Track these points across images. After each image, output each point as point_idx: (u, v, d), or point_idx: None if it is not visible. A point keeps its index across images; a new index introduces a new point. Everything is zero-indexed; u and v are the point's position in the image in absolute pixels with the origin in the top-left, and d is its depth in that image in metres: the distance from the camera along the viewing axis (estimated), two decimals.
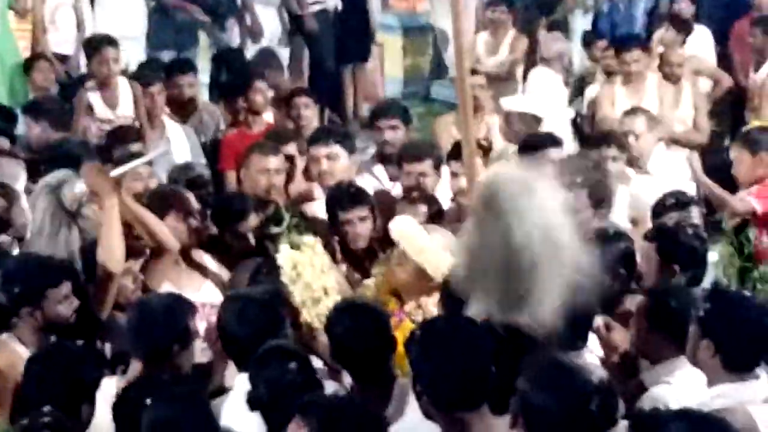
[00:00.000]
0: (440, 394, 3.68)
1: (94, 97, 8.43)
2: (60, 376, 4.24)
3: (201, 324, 5.40)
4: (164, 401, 3.90)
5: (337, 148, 6.94)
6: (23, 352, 4.84)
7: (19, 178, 6.63)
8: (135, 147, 7.29)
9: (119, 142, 7.38)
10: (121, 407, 4.08)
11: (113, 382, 4.59)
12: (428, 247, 5.17)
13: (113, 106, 8.42)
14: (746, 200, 6.77)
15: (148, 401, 3.91)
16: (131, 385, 4.17)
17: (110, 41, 8.51)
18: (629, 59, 8.85)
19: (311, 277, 5.11)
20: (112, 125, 8.12)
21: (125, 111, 8.39)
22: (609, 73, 9.25)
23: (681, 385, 4.36)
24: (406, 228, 5.31)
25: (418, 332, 3.81)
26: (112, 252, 5.21)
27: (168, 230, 5.55)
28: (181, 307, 4.72)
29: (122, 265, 5.29)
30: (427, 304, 5.20)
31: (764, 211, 6.71)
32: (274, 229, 5.38)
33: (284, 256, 5.12)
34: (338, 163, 6.92)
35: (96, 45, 8.54)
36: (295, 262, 5.10)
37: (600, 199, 6.29)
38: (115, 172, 5.55)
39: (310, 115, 8.32)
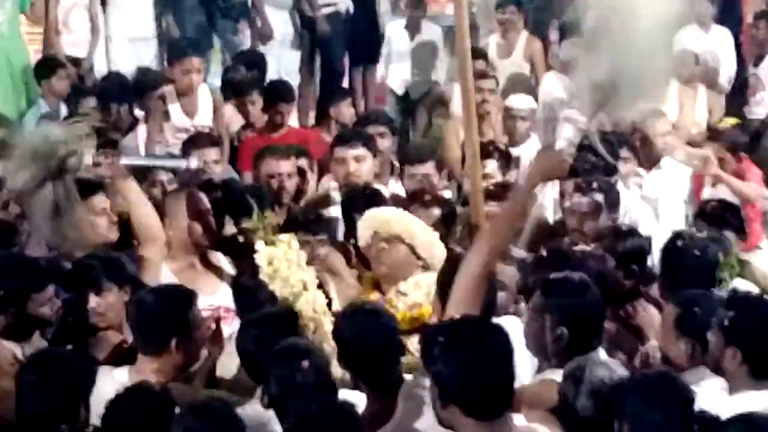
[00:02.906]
0: (473, 402, 3.58)
1: (173, 106, 8.18)
2: (54, 381, 4.22)
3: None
4: (193, 412, 3.93)
5: (364, 150, 6.97)
6: (13, 346, 4.90)
7: None
8: (212, 153, 7.18)
9: (195, 148, 7.16)
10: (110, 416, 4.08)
11: (125, 372, 4.64)
12: (417, 226, 5.41)
13: (191, 115, 8.24)
14: (756, 187, 7.14)
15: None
16: (120, 395, 4.14)
17: (195, 48, 8.33)
18: None
19: (288, 272, 5.11)
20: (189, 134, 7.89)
21: (203, 120, 8.20)
22: None
23: (708, 392, 4.29)
24: (387, 212, 5.52)
25: (441, 338, 3.65)
26: (150, 224, 5.46)
27: (159, 225, 5.62)
28: (177, 299, 4.74)
29: (163, 234, 5.50)
30: (406, 289, 5.33)
31: None
32: (245, 224, 5.43)
33: (260, 253, 5.14)
34: (365, 165, 6.94)
35: (179, 53, 8.32)
36: (270, 257, 5.12)
37: (614, 201, 6.31)
38: (126, 161, 5.66)
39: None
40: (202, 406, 3.99)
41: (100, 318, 5.15)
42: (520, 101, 8.32)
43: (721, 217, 6.14)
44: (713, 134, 7.47)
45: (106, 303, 5.15)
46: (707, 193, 7.30)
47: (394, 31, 10.99)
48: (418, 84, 10.74)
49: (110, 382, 4.40)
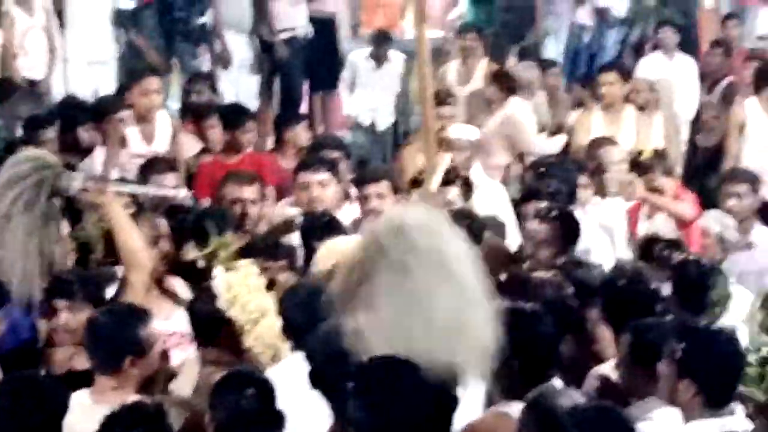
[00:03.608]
0: None
1: (131, 130, 8.00)
2: (28, 407, 4.17)
3: (173, 352, 5.40)
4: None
5: (327, 176, 6.98)
6: None
7: None
8: (169, 179, 7.10)
9: (154, 173, 7.14)
10: None
11: (85, 394, 4.62)
12: None
13: (149, 140, 8.10)
14: (690, 206, 7.19)
15: None
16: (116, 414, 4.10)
17: (153, 71, 8.19)
18: (603, 81, 8.91)
19: (247, 297, 5.09)
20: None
21: (161, 146, 8.08)
22: (579, 104, 9.31)
23: (662, 422, 4.32)
24: (345, 243, 5.48)
25: (351, 384, 3.64)
26: (135, 249, 5.46)
27: (144, 251, 5.59)
28: (131, 318, 4.74)
29: (148, 260, 5.51)
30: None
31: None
32: (198, 253, 5.44)
33: (219, 278, 5.12)
34: (328, 190, 6.95)
35: (138, 74, 8.18)
36: (229, 284, 5.11)
37: (572, 229, 6.32)
38: (115, 188, 5.68)
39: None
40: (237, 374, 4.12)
41: (70, 335, 5.15)
42: (459, 131, 8.34)
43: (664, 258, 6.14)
44: (638, 169, 7.50)
45: (78, 320, 5.14)
46: (644, 227, 7.30)
47: (358, 58, 11.01)
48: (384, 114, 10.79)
49: (72, 405, 4.37)
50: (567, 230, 6.28)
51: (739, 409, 4.19)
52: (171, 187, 6.94)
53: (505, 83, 9.43)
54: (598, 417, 3.71)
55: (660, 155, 7.69)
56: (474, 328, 3.79)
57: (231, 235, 6.16)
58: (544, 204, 6.52)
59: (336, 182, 7.07)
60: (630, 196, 7.22)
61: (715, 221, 6.62)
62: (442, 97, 9.26)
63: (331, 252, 5.58)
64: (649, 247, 6.32)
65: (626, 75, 9.28)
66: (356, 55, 11.15)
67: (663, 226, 7.17)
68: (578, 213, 6.82)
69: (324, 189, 6.93)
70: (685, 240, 6.81)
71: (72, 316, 5.22)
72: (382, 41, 11.02)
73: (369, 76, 10.97)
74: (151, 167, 7.24)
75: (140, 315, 4.79)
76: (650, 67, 10.73)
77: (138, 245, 5.59)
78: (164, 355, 5.03)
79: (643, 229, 7.24)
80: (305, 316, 4.57)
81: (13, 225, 5.41)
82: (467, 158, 8.06)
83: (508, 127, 9.22)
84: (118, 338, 4.67)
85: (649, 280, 5.29)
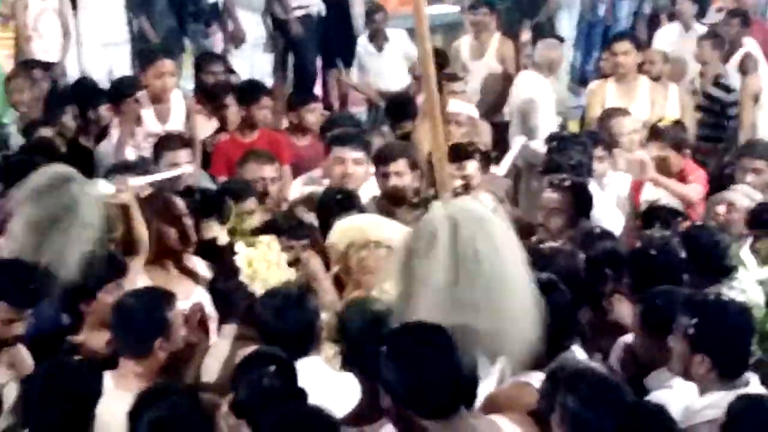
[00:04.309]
0: (423, 403, 3.66)
1: (146, 111, 7.95)
2: (60, 393, 4.19)
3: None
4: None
5: (363, 155, 6.99)
6: None
7: None
8: (182, 155, 7.12)
9: (167, 149, 7.12)
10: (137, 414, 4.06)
11: (107, 378, 4.58)
12: (391, 228, 5.46)
13: (164, 120, 8.05)
14: (698, 188, 7.10)
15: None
16: (145, 393, 4.14)
17: (167, 52, 8.20)
18: (617, 50, 8.88)
19: (267, 273, 5.11)
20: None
21: (175, 125, 8.01)
22: (606, 76, 9.28)
23: (681, 389, 4.35)
24: (359, 220, 5.59)
25: (384, 348, 3.75)
26: (144, 238, 5.47)
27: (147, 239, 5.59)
28: (159, 300, 4.75)
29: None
30: (389, 288, 5.28)
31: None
32: (217, 231, 5.45)
33: (240, 255, 5.14)
34: (361, 168, 6.96)
35: (152, 57, 8.14)
36: (249, 259, 5.13)
37: (585, 200, 6.33)
38: (135, 182, 5.68)
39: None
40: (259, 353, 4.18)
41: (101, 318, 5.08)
42: (456, 106, 8.34)
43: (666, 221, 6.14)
44: (654, 133, 7.45)
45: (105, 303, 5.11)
46: (649, 191, 7.29)
47: (360, 45, 10.99)
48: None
49: None
50: (579, 201, 6.28)
51: (754, 378, 4.21)
52: (183, 163, 6.98)
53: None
54: (595, 386, 3.77)
55: (679, 125, 7.65)
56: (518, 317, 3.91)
57: (252, 202, 6.23)
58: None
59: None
60: (639, 174, 7.21)
61: (743, 195, 6.58)
62: (452, 73, 9.29)
63: (345, 230, 5.61)
64: (652, 215, 6.33)
65: (640, 45, 9.25)
66: (360, 42, 11.11)
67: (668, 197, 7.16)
68: (593, 186, 6.83)
69: (358, 167, 6.94)
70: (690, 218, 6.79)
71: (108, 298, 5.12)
72: (374, 14, 10.94)
73: (372, 62, 10.90)
74: (165, 144, 7.25)
75: (167, 297, 4.79)
76: (667, 38, 10.70)
77: (145, 235, 5.61)
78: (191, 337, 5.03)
79: (650, 192, 7.21)
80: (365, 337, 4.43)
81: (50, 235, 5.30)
82: (465, 134, 8.07)
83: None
84: (148, 321, 4.67)
85: (678, 250, 5.28)
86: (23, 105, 8.80)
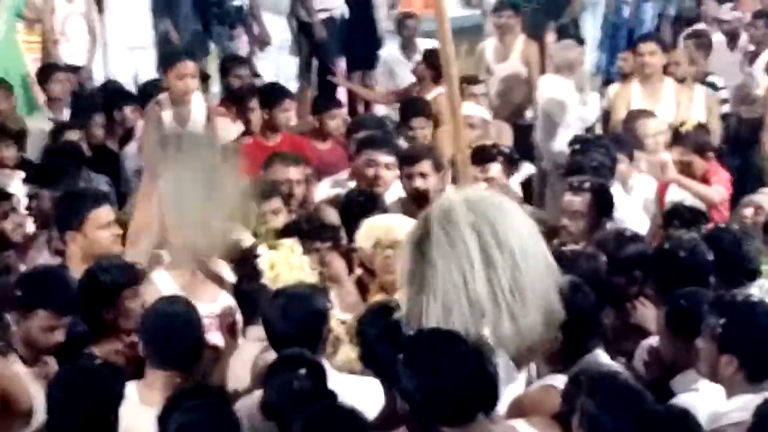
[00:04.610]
0: (440, 411, 3.65)
1: (165, 113, 7.84)
2: (84, 396, 4.16)
3: (216, 335, 5.46)
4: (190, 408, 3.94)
5: (394, 160, 6.98)
6: (16, 365, 4.80)
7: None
8: None
9: None
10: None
11: (132, 387, 4.55)
12: None
13: (184, 123, 7.97)
14: (721, 190, 7.06)
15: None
16: (176, 396, 4.15)
17: (188, 54, 8.14)
18: (643, 50, 8.86)
19: (290, 276, 5.12)
20: None
21: (196, 128, 7.89)
22: (626, 76, 9.26)
23: (708, 392, 4.32)
24: (387, 220, 5.57)
25: (401, 356, 3.73)
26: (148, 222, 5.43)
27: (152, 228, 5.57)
28: (195, 313, 4.74)
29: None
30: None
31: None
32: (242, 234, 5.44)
33: (263, 258, 5.15)
34: (391, 173, 6.96)
35: (173, 58, 8.10)
36: (272, 262, 5.13)
37: (606, 202, 6.32)
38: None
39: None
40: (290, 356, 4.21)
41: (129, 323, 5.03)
42: (469, 109, 8.35)
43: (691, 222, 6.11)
44: (676, 138, 7.43)
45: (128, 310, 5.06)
46: (675, 192, 7.27)
47: (389, 55, 10.98)
48: None
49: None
50: (600, 202, 6.27)
51: None
52: None
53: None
54: (611, 386, 3.77)
55: (702, 128, 7.62)
56: (532, 297, 3.89)
57: (277, 202, 6.24)
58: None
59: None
60: (661, 175, 7.19)
61: None
62: (473, 76, 9.30)
63: (372, 229, 5.62)
64: (674, 216, 6.31)
65: (665, 46, 9.23)
66: (386, 52, 11.10)
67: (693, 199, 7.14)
68: (617, 188, 6.81)
69: (388, 171, 6.94)
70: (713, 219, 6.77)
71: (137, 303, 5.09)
72: (405, 21, 10.96)
73: (403, 70, 10.86)
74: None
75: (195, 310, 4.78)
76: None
77: (151, 223, 5.59)
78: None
79: (675, 194, 7.20)
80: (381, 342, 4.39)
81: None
82: (479, 136, 8.08)
83: None
84: (193, 335, 4.65)
85: (706, 252, 5.28)
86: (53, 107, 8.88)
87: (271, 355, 4.58)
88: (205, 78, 8.97)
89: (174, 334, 4.61)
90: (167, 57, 8.41)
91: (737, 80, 9.91)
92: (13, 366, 4.80)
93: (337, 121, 8.67)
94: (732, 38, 10.38)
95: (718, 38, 10.37)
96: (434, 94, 9.24)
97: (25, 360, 4.86)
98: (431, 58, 9.50)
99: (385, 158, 6.98)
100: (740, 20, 10.51)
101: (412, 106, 8.75)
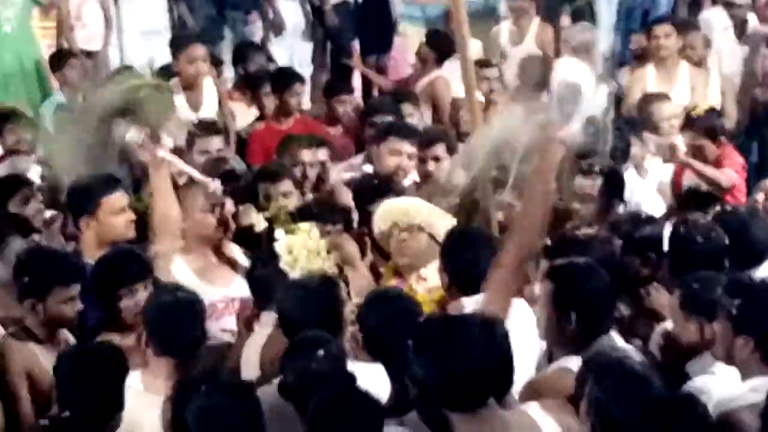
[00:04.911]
0: (450, 396, 3.62)
1: (177, 98, 7.71)
2: (89, 377, 4.23)
3: (231, 319, 5.47)
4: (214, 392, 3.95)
5: (415, 150, 6.91)
6: (33, 347, 4.94)
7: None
8: (215, 142, 7.17)
9: (198, 137, 7.19)
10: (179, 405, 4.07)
11: (137, 375, 4.56)
12: (434, 213, 5.45)
13: (196, 108, 8.09)
14: (731, 175, 7.05)
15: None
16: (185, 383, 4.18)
17: (199, 38, 8.15)
18: (658, 33, 8.82)
19: (307, 261, 5.11)
20: None
21: (208, 113, 8.06)
22: (641, 58, 9.23)
23: (723, 375, 4.33)
24: (404, 202, 5.58)
25: (410, 342, 3.71)
26: (171, 217, 5.46)
27: (178, 218, 5.57)
28: (199, 302, 4.74)
29: (178, 228, 5.51)
30: (427, 275, 5.35)
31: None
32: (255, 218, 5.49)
33: (280, 242, 5.15)
34: (412, 163, 6.90)
35: (184, 42, 8.13)
36: (290, 246, 5.14)
37: (616, 185, 6.31)
38: (163, 154, 5.67)
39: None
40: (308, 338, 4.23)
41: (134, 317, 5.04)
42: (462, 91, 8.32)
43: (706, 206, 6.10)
44: (687, 122, 7.40)
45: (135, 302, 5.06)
46: (691, 176, 7.25)
47: None
48: None
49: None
50: (611, 186, 6.26)
51: None
52: (216, 150, 7.00)
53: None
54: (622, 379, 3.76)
55: (714, 112, 7.59)
56: None
57: (288, 184, 6.24)
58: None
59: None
60: (673, 158, 7.17)
61: None
62: (486, 59, 9.29)
63: (389, 212, 5.62)
64: (687, 199, 6.29)
65: (681, 28, 9.19)
66: None
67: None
68: (631, 171, 6.80)
69: (411, 161, 6.91)
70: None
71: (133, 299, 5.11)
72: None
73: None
74: (197, 131, 7.27)
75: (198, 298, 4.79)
76: (709, 19, 10.58)
77: (174, 214, 5.56)
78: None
79: (691, 177, 7.18)
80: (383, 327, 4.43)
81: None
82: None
83: None
84: (195, 325, 4.65)
85: (721, 236, 5.26)
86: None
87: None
88: (217, 63, 8.96)
89: (177, 321, 4.60)
90: (178, 41, 8.41)
91: (734, 67, 9.84)
92: (31, 347, 4.96)
93: (345, 106, 8.66)
94: (741, 24, 10.30)
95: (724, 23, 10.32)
96: (432, 77, 9.26)
97: (41, 340, 5.00)
98: (434, 40, 9.54)
99: (410, 148, 6.93)
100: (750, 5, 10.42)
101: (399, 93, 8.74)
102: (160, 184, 5.60)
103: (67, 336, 5.12)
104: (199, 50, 7.96)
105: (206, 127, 7.37)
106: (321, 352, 4.19)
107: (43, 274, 5.00)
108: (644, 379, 3.78)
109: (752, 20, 10.30)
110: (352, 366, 4.42)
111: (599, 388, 3.73)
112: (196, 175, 5.80)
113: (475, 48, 8.42)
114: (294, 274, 5.11)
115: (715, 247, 5.18)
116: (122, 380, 4.29)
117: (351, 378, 4.16)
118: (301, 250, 5.16)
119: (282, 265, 5.14)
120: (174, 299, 4.68)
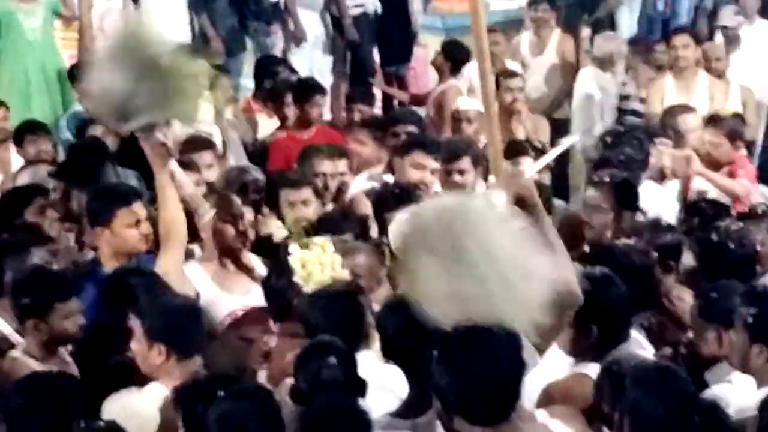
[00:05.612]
0: (474, 410, 3.53)
1: None
2: (42, 405, 4.18)
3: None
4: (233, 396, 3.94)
5: (439, 164, 6.90)
6: (35, 366, 4.83)
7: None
8: (205, 157, 7.17)
9: (191, 151, 7.15)
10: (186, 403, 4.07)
11: (159, 386, 4.50)
12: None
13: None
14: (745, 183, 7.10)
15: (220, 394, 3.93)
16: (193, 384, 4.17)
17: (228, 52, 8.14)
18: (678, 43, 8.82)
19: (321, 276, 5.12)
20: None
21: (205, 126, 7.91)
22: (659, 68, 9.22)
23: (740, 383, 4.33)
24: None
25: (435, 352, 3.61)
26: (176, 221, 5.35)
27: (183, 225, 5.49)
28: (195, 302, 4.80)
29: (184, 235, 5.43)
30: None
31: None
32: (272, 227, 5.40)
33: (294, 256, 5.15)
34: (435, 177, 6.89)
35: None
36: (304, 261, 5.12)
37: (628, 198, 6.28)
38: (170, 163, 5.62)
39: None
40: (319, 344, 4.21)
41: None
42: (466, 103, 8.30)
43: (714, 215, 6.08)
44: (713, 119, 7.40)
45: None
46: (699, 182, 7.24)
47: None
48: None
49: (149, 399, 4.38)
50: (622, 196, 6.22)
51: None
52: (206, 166, 7.00)
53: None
54: (657, 375, 3.74)
55: (739, 117, 7.62)
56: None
57: (307, 192, 6.23)
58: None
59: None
60: (688, 169, 7.16)
61: None
62: (510, 70, 9.29)
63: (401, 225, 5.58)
64: (696, 207, 6.29)
65: (699, 39, 9.19)
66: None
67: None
68: (649, 181, 6.78)
69: (434, 176, 6.88)
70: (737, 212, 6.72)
71: None
72: None
73: None
74: (187, 146, 7.24)
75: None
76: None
77: (179, 219, 5.44)
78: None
79: (699, 183, 7.18)
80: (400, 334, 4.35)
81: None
82: (476, 130, 8.05)
83: None
84: (198, 323, 4.66)
85: (753, 242, 5.23)
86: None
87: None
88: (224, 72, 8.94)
89: (180, 322, 4.58)
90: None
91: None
92: (28, 362, 4.89)
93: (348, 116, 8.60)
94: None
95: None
96: (445, 86, 9.25)
97: (38, 358, 4.93)
98: (449, 49, 9.56)
99: (434, 164, 6.91)
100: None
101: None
102: (165, 189, 5.45)
103: (64, 356, 5.04)
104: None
105: (198, 142, 7.37)
106: (332, 359, 4.19)
107: (42, 292, 4.95)
108: (679, 377, 3.76)
109: None
110: (378, 369, 4.42)
111: (636, 387, 3.69)
112: (183, 177, 5.77)
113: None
114: (308, 288, 5.10)
115: (746, 254, 5.18)
116: (75, 414, 4.16)
117: (363, 385, 4.18)
118: (316, 265, 5.15)
119: (296, 279, 5.14)
120: (174, 302, 4.71)
